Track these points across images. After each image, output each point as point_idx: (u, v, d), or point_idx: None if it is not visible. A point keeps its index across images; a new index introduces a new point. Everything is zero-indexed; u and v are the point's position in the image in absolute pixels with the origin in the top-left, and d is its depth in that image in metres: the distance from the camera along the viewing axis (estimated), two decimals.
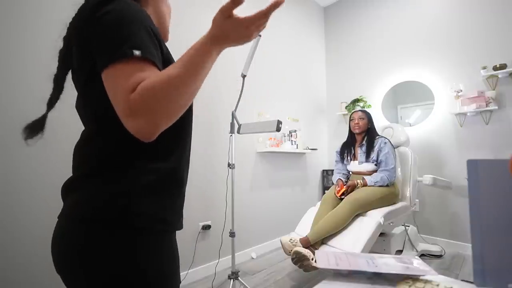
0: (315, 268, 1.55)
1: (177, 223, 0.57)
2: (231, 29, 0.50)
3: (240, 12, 0.44)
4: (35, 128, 0.57)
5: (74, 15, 0.56)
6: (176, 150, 0.56)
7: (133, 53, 0.43)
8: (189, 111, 0.59)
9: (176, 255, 0.56)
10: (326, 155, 3.58)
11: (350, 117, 2.29)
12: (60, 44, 0.57)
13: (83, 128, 0.57)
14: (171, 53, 0.57)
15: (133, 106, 0.41)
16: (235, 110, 1.73)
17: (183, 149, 0.58)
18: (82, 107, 0.55)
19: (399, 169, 2.30)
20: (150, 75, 0.43)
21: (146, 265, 0.49)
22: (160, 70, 0.47)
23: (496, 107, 2.28)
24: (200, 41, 0.48)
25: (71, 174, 0.56)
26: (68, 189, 0.53)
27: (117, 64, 0.43)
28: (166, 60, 0.53)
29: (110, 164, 0.48)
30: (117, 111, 0.44)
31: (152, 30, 0.49)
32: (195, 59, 0.46)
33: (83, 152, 0.53)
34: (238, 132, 1.74)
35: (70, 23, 0.56)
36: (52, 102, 0.58)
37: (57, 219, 0.52)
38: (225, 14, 0.49)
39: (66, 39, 0.56)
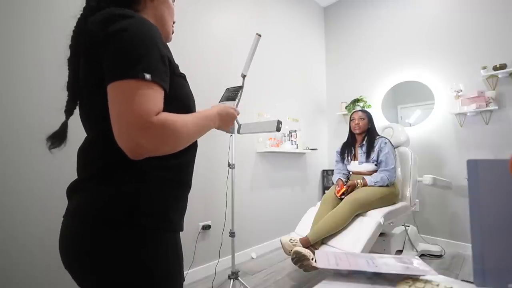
0: (315, 268, 1.55)
1: (179, 224, 0.59)
2: (230, 116, 0.71)
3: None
4: (59, 137, 0.59)
5: (76, 24, 0.57)
6: (181, 152, 0.56)
7: (144, 76, 0.45)
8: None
9: (180, 254, 0.57)
10: (326, 155, 3.58)
11: (350, 117, 2.29)
12: (66, 51, 0.58)
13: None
14: (174, 52, 0.59)
15: (154, 128, 0.45)
16: None
17: (188, 152, 0.59)
18: (85, 114, 0.56)
19: (399, 169, 2.30)
20: (172, 114, 0.50)
21: (153, 264, 0.50)
22: (167, 91, 0.51)
23: (496, 107, 2.28)
24: (211, 114, 0.62)
25: (72, 174, 0.56)
26: (73, 189, 0.54)
27: (129, 80, 0.45)
28: (172, 70, 0.54)
29: (116, 165, 0.49)
30: (124, 120, 0.44)
31: (163, 49, 0.52)
32: (205, 126, 0.59)
33: (88, 154, 0.54)
34: (238, 132, 1.73)
35: (74, 32, 0.57)
36: (70, 109, 0.59)
37: (63, 219, 0.53)
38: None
39: (72, 47, 0.57)
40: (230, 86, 0.78)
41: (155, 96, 0.47)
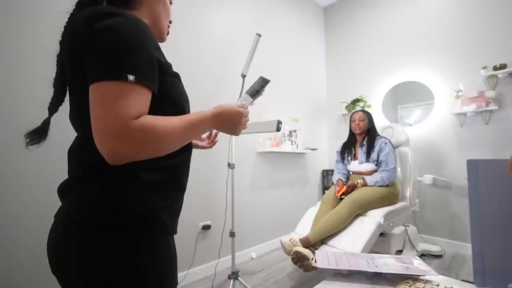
0: (315, 268, 1.55)
1: (172, 226, 0.57)
2: (233, 116, 0.61)
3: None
4: (39, 134, 0.57)
5: (68, 19, 0.56)
6: (174, 152, 0.55)
7: (127, 77, 0.43)
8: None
9: (173, 258, 0.56)
10: (326, 155, 3.58)
11: (350, 118, 2.29)
12: (57, 48, 0.57)
13: None
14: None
15: (131, 133, 0.43)
16: None
17: (181, 152, 0.57)
18: (75, 114, 0.54)
19: (399, 169, 2.30)
20: (156, 117, 0.47)
21: (144, 267, 0.49)
22: (155, 93, 0.49)
23: (496, 107, 2.28)
24: (205, 115, 0.56)
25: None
26: (63, 190, 0.53)
27: (110, 82, 0.43)
28: (163, 70, 0.53)
29: (106, 165, 0.47)
30: (100, 125, 0.43)
31: (152, 48, 0.49)
32: (196, 127, 0.54)
33: (79, 154, 0.53)
34: None
35: (65, 27, 0.56)
36: (54, 106, 0.58)
37: (54, 219, 0.52)
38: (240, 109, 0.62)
39: (62, 43, 0.56)
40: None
41: (137, 99, 0.45)
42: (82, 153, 0.52)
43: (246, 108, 0.67)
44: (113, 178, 0.48)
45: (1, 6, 1.29)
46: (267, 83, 0.71)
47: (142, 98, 0.46)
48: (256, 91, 0.70)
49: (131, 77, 0.44)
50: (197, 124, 0.54)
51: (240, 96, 1.26)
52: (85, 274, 0.46)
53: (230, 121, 0.61)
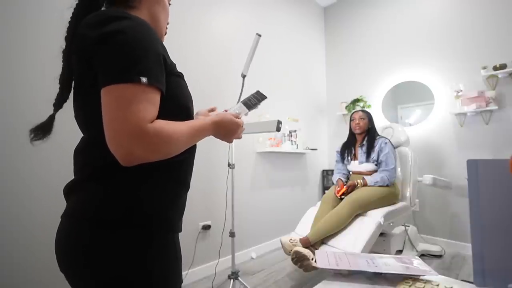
0: (315, 268, 1.55)
1: (177, 224, 0.58)
2: (230, 125, 0.64)
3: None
4: (43, 130, 0.58)
5: (71, 15, 0.56)
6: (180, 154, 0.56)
7: (140, 80, 0.44)
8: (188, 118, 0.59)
9: (179, 255, 0.57)
10: (326, 155, 3.58)
11: (350, 117, 2.30)
12: (63, 44, 0.57)
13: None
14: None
15: (147, 137, 0.44)
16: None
17: (186, 151, 0.58)
18: (82, 116, 0.54)
19: (399, 169, 2.30)
20: (166, 122, 0.49)
21: (151, 264, 0.49)
22: (163, 92, 0.50)
23: (496, 107, 2.28)
24: (206, 122, 0.59)
25: (71, 174, 0.56)
26: (71, 190, 0.53)
27: (123, 85, 0.44)
28: (169, 70, 0.54)
29: (114, 165, 0.48)
30: (116, 128, 0.44)
31: (161, 48, 0.51)
32: (198, 133, 0.56)
33: (86, 154, 0.53)
34: None
35: (70, 23, 0.56)
36: (59, 102, 0.58)
37: (60, 219, 0.52)
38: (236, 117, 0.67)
39: (67, 39, 0.56)
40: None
41: (150, 102, 0.46)
42: (90, 153, 0.53)
43: (240, 118, 0.71)
44: (123, 176, 0.49)
45: (1, 6, 1.29)
46: (264, 99, 0.75)
47: (154, 100, 0.47)
48: (252, 104, 0.74)
49: (143, 79, 0.45)
50: (200, 130, 0.56)
51: (238, 101, 1.29)
52: (93, 271, 0.47)
53: (228, 130, 0.64)
